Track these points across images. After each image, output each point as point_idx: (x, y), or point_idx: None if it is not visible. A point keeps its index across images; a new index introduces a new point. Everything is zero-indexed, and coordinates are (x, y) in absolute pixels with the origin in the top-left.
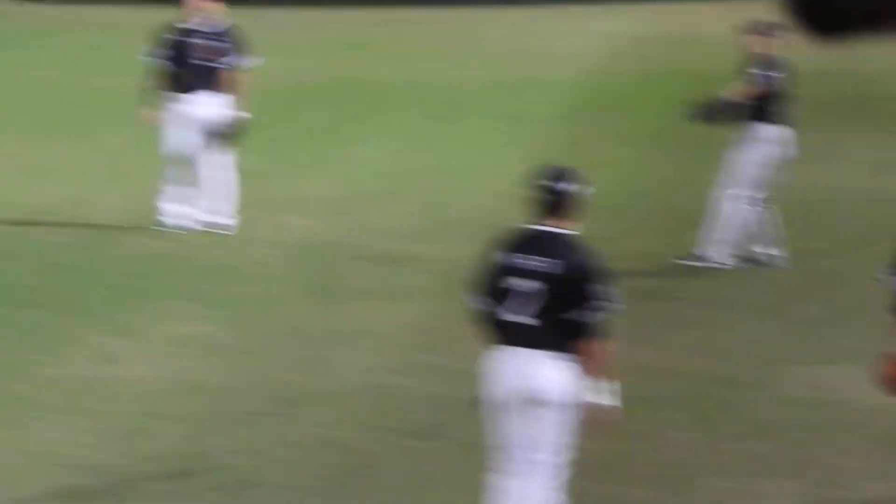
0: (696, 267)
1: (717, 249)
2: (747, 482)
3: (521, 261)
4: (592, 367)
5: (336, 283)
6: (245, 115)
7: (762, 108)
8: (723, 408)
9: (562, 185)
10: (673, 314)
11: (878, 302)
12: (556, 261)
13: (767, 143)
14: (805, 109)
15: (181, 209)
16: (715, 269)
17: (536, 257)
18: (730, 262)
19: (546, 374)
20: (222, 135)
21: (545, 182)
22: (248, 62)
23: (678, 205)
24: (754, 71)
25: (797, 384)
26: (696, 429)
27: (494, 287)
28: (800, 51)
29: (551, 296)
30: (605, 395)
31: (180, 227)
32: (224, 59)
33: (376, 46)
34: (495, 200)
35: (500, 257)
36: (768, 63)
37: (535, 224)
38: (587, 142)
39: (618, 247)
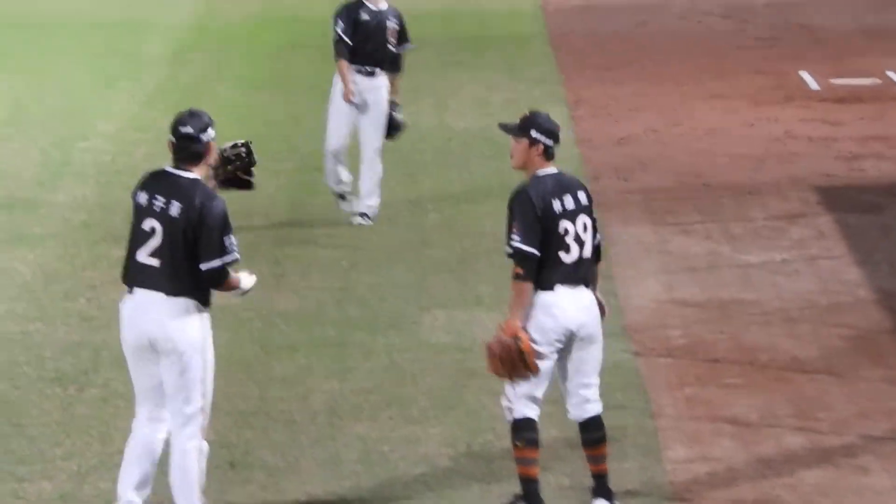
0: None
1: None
2: (394, 428)
3: (146, 202)
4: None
5: None
6: None
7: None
8: (364, 354)
9: (186, 130)
10: (309, 259)
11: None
12: (175, 203)
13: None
14: (424, 47)
15: None
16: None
17: (160, 198)
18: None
19: (171, 319)
20: None
21: (173, 126)
22: None
23: (294, 147)
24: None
25: (436, 329)
26: (339, 375)
27: (132, 228)
28: None
29: (172, 238)
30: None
31: None
32: None
33: None
34: (112, 142)
35: (134, 198)
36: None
37: (168, 166)
38: (198, 84)
39: (240, 192)
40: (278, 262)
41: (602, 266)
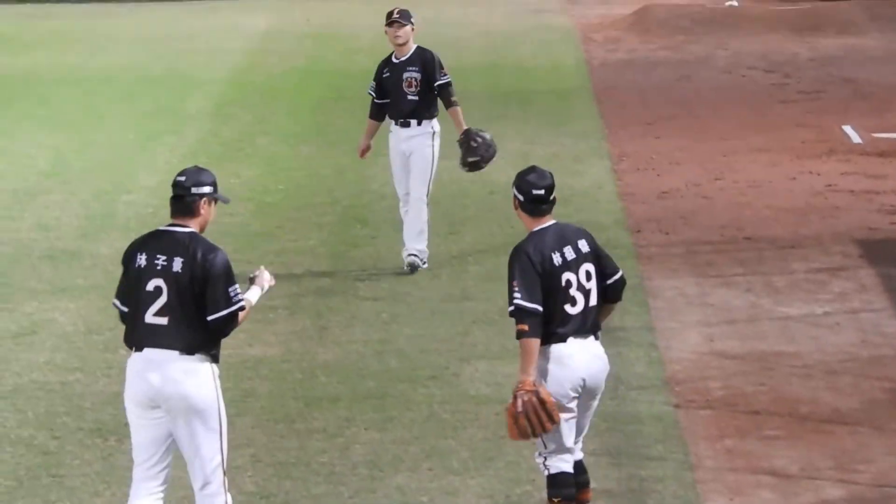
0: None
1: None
2: (434, 479)
3: (146, 262)
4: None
5: (8, 282)
6: None
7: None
8: (405, 405)
9: (185, 183)
10: (350, 311)
11: None
12: (177, 259)
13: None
14: (468, 101)
15: None
16: (396, 265)
17: (161, 257)
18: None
19: (186, 377)
20: None
21: (175, 181)
22: None
23: (336, 199)
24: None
25: (476, 381)
26: (380, 427)
27: (129, 287)
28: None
29: (179, 294)
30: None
31: None
32: None
33: (22, 38)
34: (154, 195)
35: (131, 261)
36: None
37: (162, 226)
38: (239, 137)
39: (282, 244)
40: (320, 314)
41: (643, 318)
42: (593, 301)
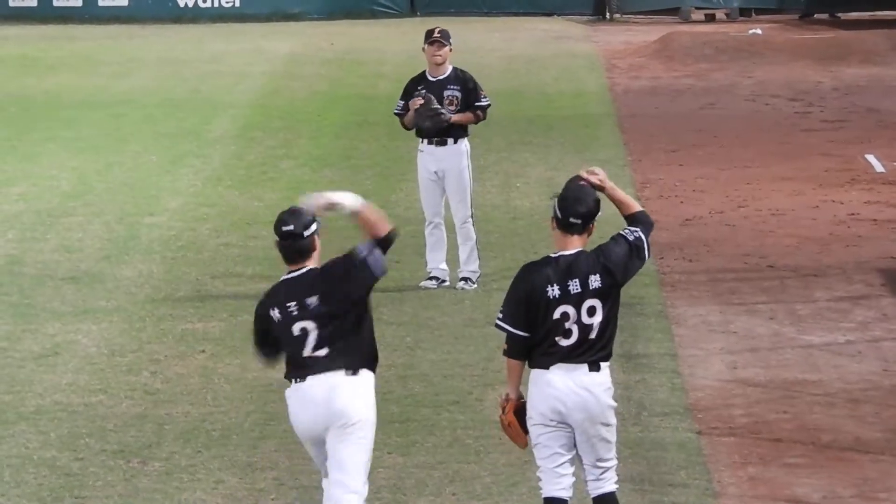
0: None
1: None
2: None
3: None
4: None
5: (31, 303)
6: None
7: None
8: (428, 430)
9: (296, 230)
10: (376, 336)
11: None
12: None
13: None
14: (491, 127)
15: None
16: (420, 289)
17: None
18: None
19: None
20: None
21: (283, 231)
22: None
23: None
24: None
25: (499, 406)
26: (404, 451)
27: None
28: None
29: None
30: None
31: None
32: None
33: (46, 61)
34: (178, 218)
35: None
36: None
37: (289, 270)
38: (263, 161)
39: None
40: None
41: (666, 344)
42: (594, 335)
